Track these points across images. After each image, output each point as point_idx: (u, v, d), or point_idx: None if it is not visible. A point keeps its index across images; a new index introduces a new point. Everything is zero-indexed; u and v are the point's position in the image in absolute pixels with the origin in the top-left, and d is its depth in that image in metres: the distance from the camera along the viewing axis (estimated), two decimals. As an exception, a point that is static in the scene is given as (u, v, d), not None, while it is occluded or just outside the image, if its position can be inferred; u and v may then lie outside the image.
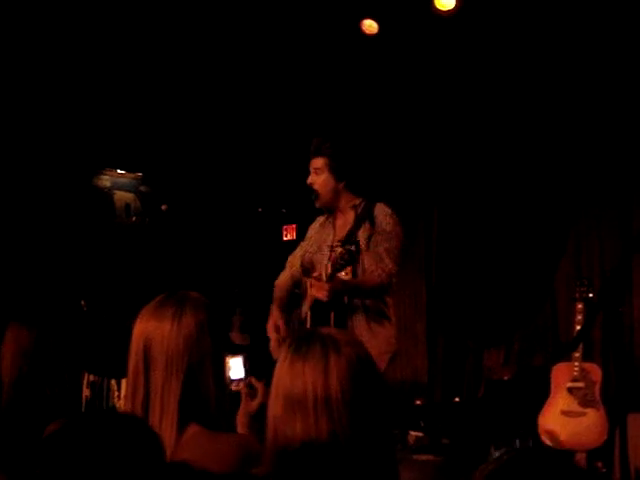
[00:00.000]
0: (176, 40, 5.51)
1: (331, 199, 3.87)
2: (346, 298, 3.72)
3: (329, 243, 3.87)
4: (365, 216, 3.76)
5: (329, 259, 3.73)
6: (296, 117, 6.35)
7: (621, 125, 5.70)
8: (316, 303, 3.68)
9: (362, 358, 1.57)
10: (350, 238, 3.68)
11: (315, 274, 3.72)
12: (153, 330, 1.92)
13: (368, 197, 3.89)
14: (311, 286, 3.68)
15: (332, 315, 3.67)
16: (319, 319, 3.67)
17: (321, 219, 4.04)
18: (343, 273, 3.65)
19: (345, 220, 3.83)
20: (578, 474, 1.20)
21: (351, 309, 3.73)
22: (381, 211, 3.78)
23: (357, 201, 3.84)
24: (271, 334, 3.90)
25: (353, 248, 3.53)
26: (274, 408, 1.55)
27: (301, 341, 1.59)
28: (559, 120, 5.97)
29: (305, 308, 3.82)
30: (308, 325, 3.76)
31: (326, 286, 3.52)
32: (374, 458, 1.51)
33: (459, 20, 5.18)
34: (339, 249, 3.59)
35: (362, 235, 3.73)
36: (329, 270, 3.61)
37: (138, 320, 1.96)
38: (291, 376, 1.54)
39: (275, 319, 3.93)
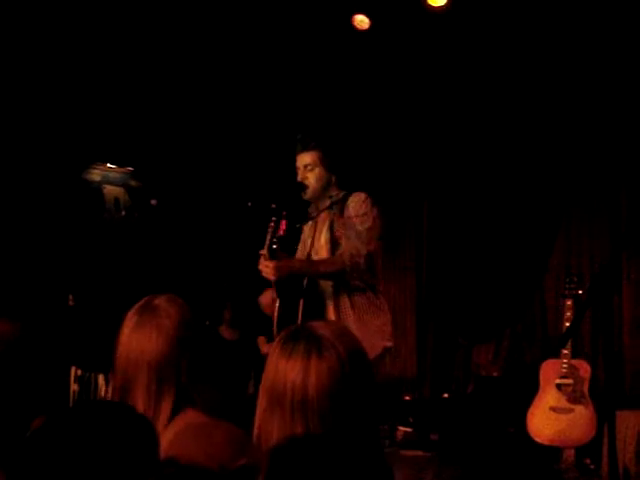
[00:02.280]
0: (165, 36, 5.48)
1: (322, 192, 3.87)
2: (330, 285, 3.70)
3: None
4: (338, 202, 3.76)
5: None
6: (286, 111, 6.33)
7: (611, 121, 5.71)
8: (281, 289, 3.67)
9: (347, 359, 1.54)
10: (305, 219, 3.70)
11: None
12: (135, 347, 1.92)
13: (352, 190, 3.88)
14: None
15: (301, 302, 3.65)
16: (288, 305, 3.65)
17: (310, 223, 4.05)
18: (272, 244, 3.61)
19: (326, 215, 3.84)
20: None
21: (337, 297, 3.71)
22: (354, 198, 3.78)
23: (336, 192, 3.84)
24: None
25: (282, 222, 3.54)
26: (260, 401, 1.57)
27: (289, 338, 1.58)
28: (550, 115, 5.98)
29: (273, 294, 3.79)
30: (276, 312, 3.73)
31: (270, 264, 3.51)
32: (355, 457, 1.50)
33: (450, 15, 5.17)
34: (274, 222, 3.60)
35: (337, 222, 3.73)
36: (266, 247, 3.59)
37: (119, 339, 1.96)
38: (274, 373, 1.54)
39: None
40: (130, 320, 1.97)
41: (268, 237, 3.59)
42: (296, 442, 1.46)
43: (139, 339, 1.91)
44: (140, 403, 1.88)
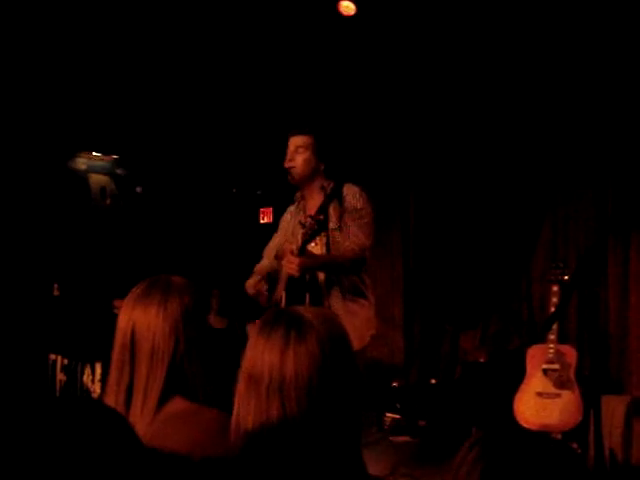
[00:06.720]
0: (149, 23, 5.45)
1: (308, 178, 3.87)
2: (322, 276, 3.70)
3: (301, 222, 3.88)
4: (334, 196, 3.76)
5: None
6: (272, 99, 6.31)
7: (597, 109, 5.71)
8: (290, 283, 3.67)
9: (328, 343, 1.51)
10: (319, 211, 3.67)
11: (289, 248, 3.71)
12: (139, 318, 1.89)
13: (340, 180, 3.88)
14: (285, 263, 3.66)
15: (307, 296, 3.65)
16: (294, 300, 3.66)
17: (291, 209, 4.05)
18: (313, 244, 3.65)
19: (315, 203, 3.82)
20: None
21: (328, 289, 3.72)
22: (349, 190, 3.80)
23: (326, 183, 3.83)
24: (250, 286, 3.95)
25: (321, 217, 3.52)
26: (239, 384, 1.55)
27: (269, 320, 1.55)
28: (535, 104, 5.97)
29: (280, 290, 3.81)
30: (283, 306, 3.74)
31: (296, 260, 3.50)
32: (331, 442, 1.48)
33: (437, 3, 5.16)
34: (308, 220, 3.59)
35: (333, 214, 3.73)
36: (299, 243, 3.60)
37: (123, 308, 1.92)
38: (252, 355, 1.52)
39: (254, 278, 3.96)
40: (137, 291, 1.93)
41: (301, 236, 3.59)
42: (270, 427, 1.45)
43: (145, 310, 1.88)
44: (138, 378, 1.86)
